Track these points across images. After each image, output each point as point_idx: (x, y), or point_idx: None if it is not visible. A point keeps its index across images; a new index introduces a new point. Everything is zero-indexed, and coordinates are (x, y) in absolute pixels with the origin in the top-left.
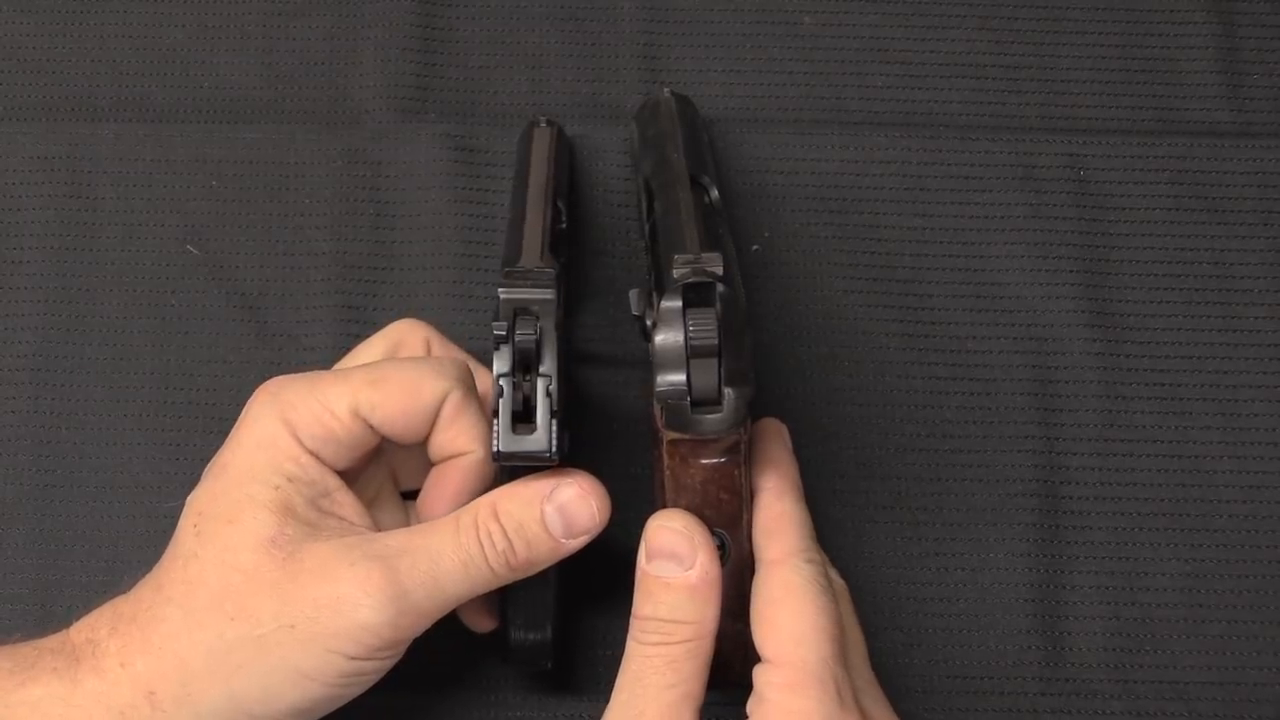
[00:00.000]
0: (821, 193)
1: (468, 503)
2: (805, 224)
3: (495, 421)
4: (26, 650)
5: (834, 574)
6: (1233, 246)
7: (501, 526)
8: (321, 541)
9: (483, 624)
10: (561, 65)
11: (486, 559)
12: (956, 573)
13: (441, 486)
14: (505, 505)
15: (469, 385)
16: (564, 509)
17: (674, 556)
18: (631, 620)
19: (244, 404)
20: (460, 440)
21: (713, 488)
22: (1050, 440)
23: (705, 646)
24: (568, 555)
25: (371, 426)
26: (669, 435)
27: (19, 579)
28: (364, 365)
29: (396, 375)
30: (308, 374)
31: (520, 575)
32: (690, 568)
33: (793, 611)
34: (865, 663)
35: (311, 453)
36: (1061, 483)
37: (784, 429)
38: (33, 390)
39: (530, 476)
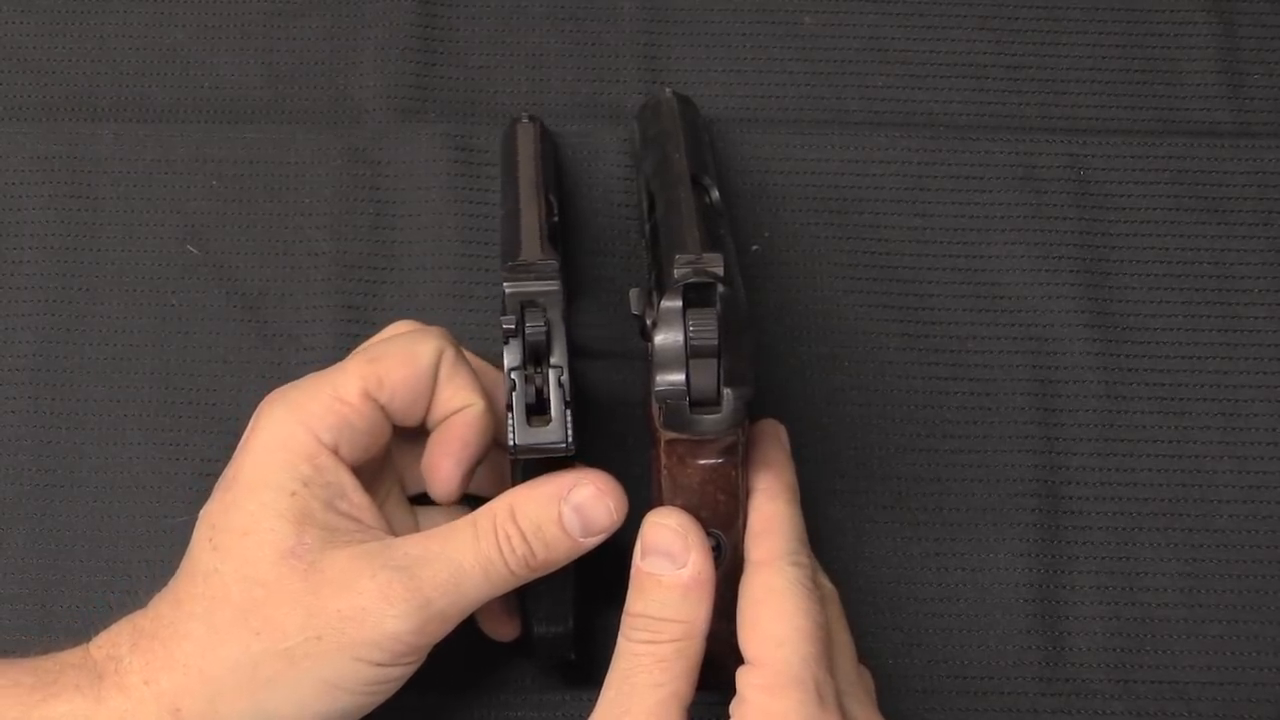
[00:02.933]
0: (821, 193)
1: (472, 456)
2: (805, 224)
3: (510, 415)
4: (48, 665)
5: (823, 579)
6: (1233, 246)
7: (520, 529)
8: (340, 548)
9: (504, 632)
10: (561, 65)
11: (506, 562)
12: (956, 573)
13: (445, 443)
14: (523, 507)
15: (456, 345)
16: (581, 509)
17: (668, 554)
18: (623, 617)
19: (244, 404)
20: (460, 394)
21: (710, 488)
22: (1050, 440)
23: (695, 646)
24: (586, 552)
25: (382, 407)
26: (667, 435)
27: (19, 579)
28: (356, 352)
29: (392, 348)
30: (306, 377)
31: (539, 574)
32: (683, 566)
33: (774, 613)
34: (853, 666)
35: (329, 448)
36: (1061, 483)
37: (781, 430)
38: (33, 390)
39: (546, 476)
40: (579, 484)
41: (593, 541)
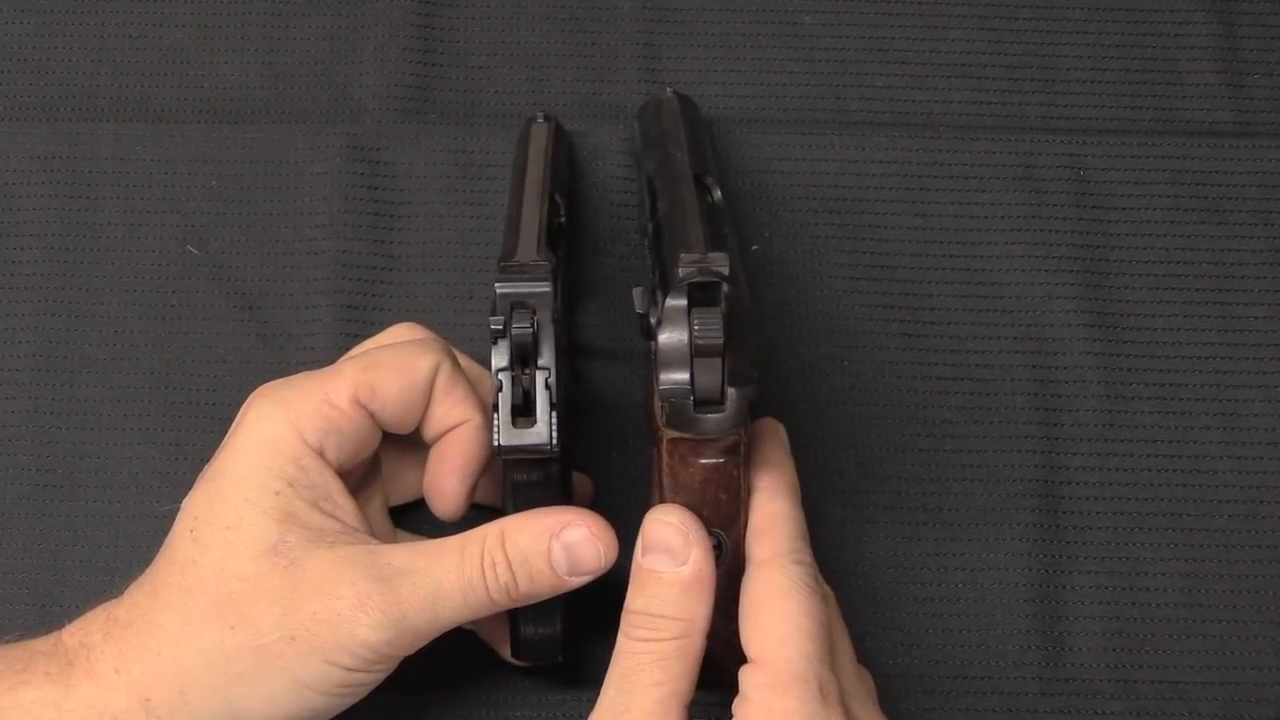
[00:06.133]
0: (821, 193)
1: (474, 472)
2: (805, 224)
3: (495, 416)
4: (17, 652)
5: (820, 581)
6: (1233, 246)
7: (507, 558)
8: (324, 549)
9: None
10: (561, 65)
11: (487, 588)
12: (956, 573)
13: (446, 460)
14: (514, 536)
15: (454, 358)
16: (571, 548)
17: (669, 551)
18: (623, 614)
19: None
20: (458, 410)
21: (711, 488)
22: (1050, 440)
23: (694, 645)
24: (568, 590)
25: (372, 415)
26: (669, 434)
27: (19, 579)
28: (354, 356)
29: (389, 357)
30: (300, 374)
31: (519, 605)
32: (684, 563)
33: (777, 611)
34: (853, 665)
35: (315, 450)
36: (1061, 483)
37: (781, 429)
38: (33, 390)
39: (541, 510)
40: (573, 524)
41: (577, 581)
